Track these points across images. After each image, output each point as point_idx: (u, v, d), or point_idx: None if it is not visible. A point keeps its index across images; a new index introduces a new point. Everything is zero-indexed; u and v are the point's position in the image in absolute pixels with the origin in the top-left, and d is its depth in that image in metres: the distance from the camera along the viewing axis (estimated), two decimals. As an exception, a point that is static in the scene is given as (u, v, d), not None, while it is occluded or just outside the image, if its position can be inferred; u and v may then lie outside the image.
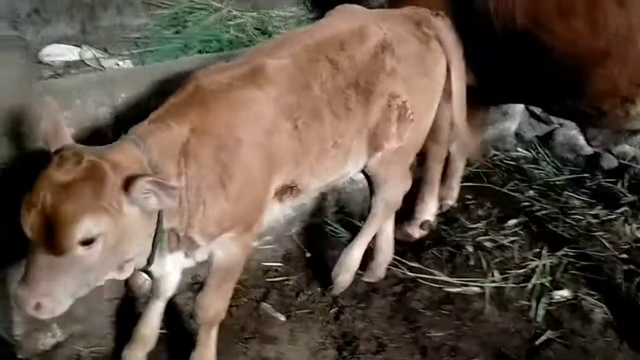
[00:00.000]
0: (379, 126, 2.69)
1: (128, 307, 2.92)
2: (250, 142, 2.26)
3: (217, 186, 2.19)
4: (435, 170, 3.56)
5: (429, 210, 3.63)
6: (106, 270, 2.03)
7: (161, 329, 2.75)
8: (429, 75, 2.80)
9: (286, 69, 2.39)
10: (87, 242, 1.85)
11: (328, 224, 3.73)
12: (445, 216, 3.89)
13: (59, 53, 3.55)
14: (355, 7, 2.81)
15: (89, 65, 3.58)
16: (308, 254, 3.52)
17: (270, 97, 2.32)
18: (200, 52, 3.91)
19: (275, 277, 3.34)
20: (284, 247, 3.52)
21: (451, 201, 3.91)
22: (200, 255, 2.38)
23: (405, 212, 3.54)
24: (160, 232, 2.10)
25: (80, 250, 1.85)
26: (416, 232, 3.64)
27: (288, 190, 2.53)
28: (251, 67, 2.34)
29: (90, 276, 1.96)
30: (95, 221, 1.83)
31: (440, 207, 3.81)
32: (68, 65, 3.46)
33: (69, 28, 3.91)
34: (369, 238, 3.14)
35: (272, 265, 3.40)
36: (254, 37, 4.21)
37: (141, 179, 1.87)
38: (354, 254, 3.12)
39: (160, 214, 2.06)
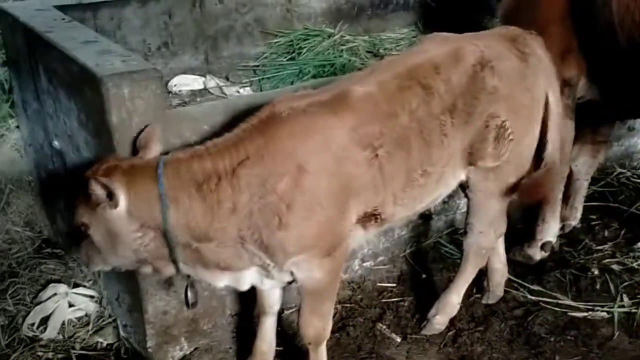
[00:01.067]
0: (475, 145, 2.58)
1: (251, 322, 3.02)
2: (315, 170, 2.22)
3: (269, 213, 2.20)
4: (557, 189, 3.42)
5: (550, 231, 3.48)
6: (120, 260, 2.29)
7: (278, 345, 2.83)
8: (531, 92, 2.64)
9: (371, 97, 2.33)
10: (83, 226, 2.22)
11: (442, 245, 3.68)
12: (568, 237, 3.71)
13: (186, 83, 3.82)
14: (445, 33, 2.72)
15: (212, 94, 3.82)
16: (423, 275, 3.49)
17: (345, 124, 2.27)
18: (314, 77, 4.04)
19: (390, 297, 3.34)
20: (398, 268, 3.51)
21: (574, 221, 3.74)
22: (280, 275, 2.41)
23: (526, 233, 3.42)
24: (173, 244, 2.21)
25: (83, 230, 2.23)
26: (537, 254, 3.51)
27: (371, 217, 2.46)
28: (333, 94, 2.32)
29: (107, 256, 2.29)
30: (81, 212, 2.20)
31: (563, 227, 3.65)
32: (194, 93, 3.71)
33: (193, 59, 4.19)
34: (468, 282, 3.03)
35: (387, 286, 3.40)
36: (366, 59, 4.29)
37: (91, 179, 2.11)
38: (453, 298, 3.03)
39: (167, 228, 2.17)
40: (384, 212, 2.47)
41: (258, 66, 4.30)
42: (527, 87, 2.61)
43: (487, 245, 2.94)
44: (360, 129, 2.29)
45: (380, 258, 3.47)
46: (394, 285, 3.41)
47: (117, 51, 2.65)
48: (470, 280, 3.03)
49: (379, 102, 2.34)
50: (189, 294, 2.49)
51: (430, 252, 3.63)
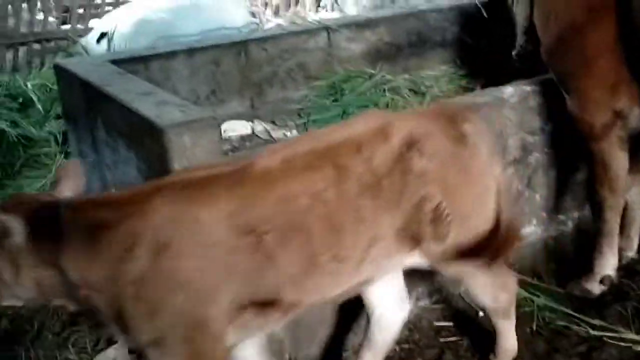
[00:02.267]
0: (411, 227, 2.37)
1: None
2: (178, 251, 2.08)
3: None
4: (613, 221, 3.36)
5: (608, 264, 3.41)
6: (26, 294, 2.20)
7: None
8: (468, 172, 2.46)
9: (268, 175, 2.16)
10: None
11: (496, 281, 3.62)
12: (626, 269, 3.62)
13: (234, 128, 3.91)
14: (380, 111, 2.65)
15: (260, 138, 3.90)
16: (480, 313, 3.43)
17: (222, 208, 2.10)
18: (358, 117, 4.09)
19: (448, 336, 3.29)
20: (454, 306, 3.47)
21: (631, 252, 3.64)
22: None
23: (583, 267, 3.36)
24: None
25: None
26: (596, 288, 3.43)
27: (267, 305, 2.24)
28: (232, 169, 2.18)
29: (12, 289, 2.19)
30: None
31: (620, 259, 3.57)
32: (243, 138, 3.80)
33: (239, 105, 4.29)
34: (513, 323, 2.89)
35: (444, 325, 3.36)
36: (408, 98, 4.34)
37: None
38: (508, 343, 2.91)
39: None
40: (284, 298, 2.25)
41: (302, 109, 4.37)
42: (463, 167, 2.44)
43: (506, 303, 2.78)
44: (240, 213, 2.10)
45: (435, 297, 3.44)
46: (452, 324, 3.37)
47: (174, 101, 2.75)
48: (514, 321, 2.89)
49: (275, 181, 2.16)
50: None
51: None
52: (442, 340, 3.25)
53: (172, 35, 7.00)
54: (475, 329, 3.31)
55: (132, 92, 2.88)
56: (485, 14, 4.71)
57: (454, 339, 3.25)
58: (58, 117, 5.26)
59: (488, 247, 2.59)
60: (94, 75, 3.22)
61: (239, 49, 4.20)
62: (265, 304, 2.23)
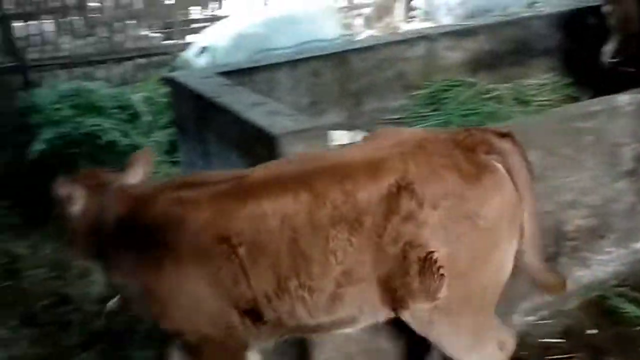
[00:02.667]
0: (395, 279, 2.17)
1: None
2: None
3: None
4: None
5: None
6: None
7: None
8: (473, 219, 2.15)
9: (243, 193, 2.19)
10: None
11: (607, 298, 3.45)
12: None
13: (334, 138, 3.94)
14: (397, 130, 2.44)
15: (359, 147, 3.91)
16: (590, 331, 3.28)
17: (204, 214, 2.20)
18: (459, 126, 4.03)
19: (556, 354, 3.16)
20: (562, 323, 3.33)
21: None
22: None
23: None
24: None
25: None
26: None
27: (253, 314, 2.25)
28: (231, 184, 2.24)
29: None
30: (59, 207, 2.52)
31: None
32: (343, 148, 3.82)
33: (337, 116, 4.33)
34: None
35: (552, 342, 3.23)
36: (511, 107, 4.23)
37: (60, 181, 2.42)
38: None
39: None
40: (264, 313, 2.24)
41: (401, 118, 4.36)
42: (468, 212, 2.15)
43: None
44: (218, 221, 2.18)
45: (542, 312, 3.32)
46: (560, 341, 3.23)
47: (284, 111, 2.82)
48: None
49: (251, 197, 2.16)
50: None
51: (594, 305, 3.42)
52: (550, 357, 3.13)
53: (268, 49, 7.17)
54: (585, 347, 3.17)
55: (243, 103, 2.97)
56: (594, 19, 4.54)
57: (564, 357, 3.12)
58: (163, 127, 5.54)
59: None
60: (204, 87, 3.35)
61: (338, 60, 4.25)
62: (250, 314, 2.24)
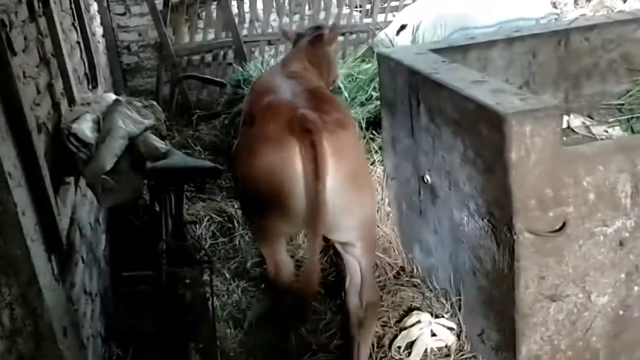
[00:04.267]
0: None
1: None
2: None
3: None
4: None
5: None
6: None
7: None
8: None
9: None
10: None
11: None
12: None
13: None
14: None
15: (577, 133, 3.65)
16: None
17: None
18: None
19: None
20: None
21: None
22: None
23: None
24: None
25: None
26: None
27: None
28: None
29: None
30: None
31: None
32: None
33: (552, 98, 4.07)
34: None
35: None
36: None
37: None
38: None
39: None
40: None
41: (623, 104, 3.99)
42: None
43: None
44: None
45: None
46: None
47: (510, 90, 2.69)
48: None
49: None
50: None
51: None
52: None
53: (469, 27, 6.96)
54: None
55: (464, 80, 2.90)
56: None
57: None
58: (362, 104, 5.61)
59: None
60: (420, 64, 3.32)
61: (559, 39, 3.97)
62: None
